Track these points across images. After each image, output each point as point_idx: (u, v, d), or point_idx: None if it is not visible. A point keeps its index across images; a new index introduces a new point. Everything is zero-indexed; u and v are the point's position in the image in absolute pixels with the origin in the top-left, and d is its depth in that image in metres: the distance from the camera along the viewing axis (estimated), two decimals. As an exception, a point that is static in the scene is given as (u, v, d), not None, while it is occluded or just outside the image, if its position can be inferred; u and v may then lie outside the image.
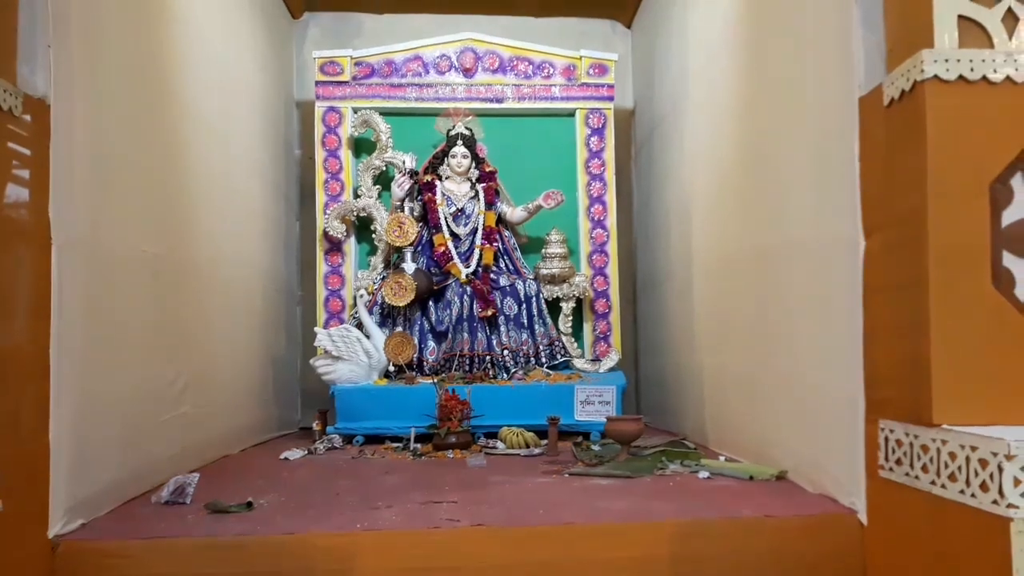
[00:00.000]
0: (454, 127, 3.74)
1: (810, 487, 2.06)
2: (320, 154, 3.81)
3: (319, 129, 3.81)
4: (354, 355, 3.30)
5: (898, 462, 1.68)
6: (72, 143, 1.85)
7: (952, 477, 1.51)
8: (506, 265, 3.78)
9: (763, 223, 2.41)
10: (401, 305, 3.49)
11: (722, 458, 2.59)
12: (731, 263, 2.71)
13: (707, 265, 3.02)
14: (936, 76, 1.59)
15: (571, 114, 3.88)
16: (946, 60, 1.60)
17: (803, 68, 2.11)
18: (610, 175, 3.86)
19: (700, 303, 3.10)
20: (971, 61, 1.60)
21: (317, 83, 3.79)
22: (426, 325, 3.58)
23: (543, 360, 3.57)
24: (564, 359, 3.61)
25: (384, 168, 3.79)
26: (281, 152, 3.89)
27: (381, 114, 3.76)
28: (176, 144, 2.52)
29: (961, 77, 1.60)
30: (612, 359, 3.67)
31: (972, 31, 1.63)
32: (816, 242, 2.04)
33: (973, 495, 1.45)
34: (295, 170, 4.16)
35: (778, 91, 2.29)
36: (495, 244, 3.71)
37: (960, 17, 1.63)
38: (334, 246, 3.79)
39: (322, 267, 3.79)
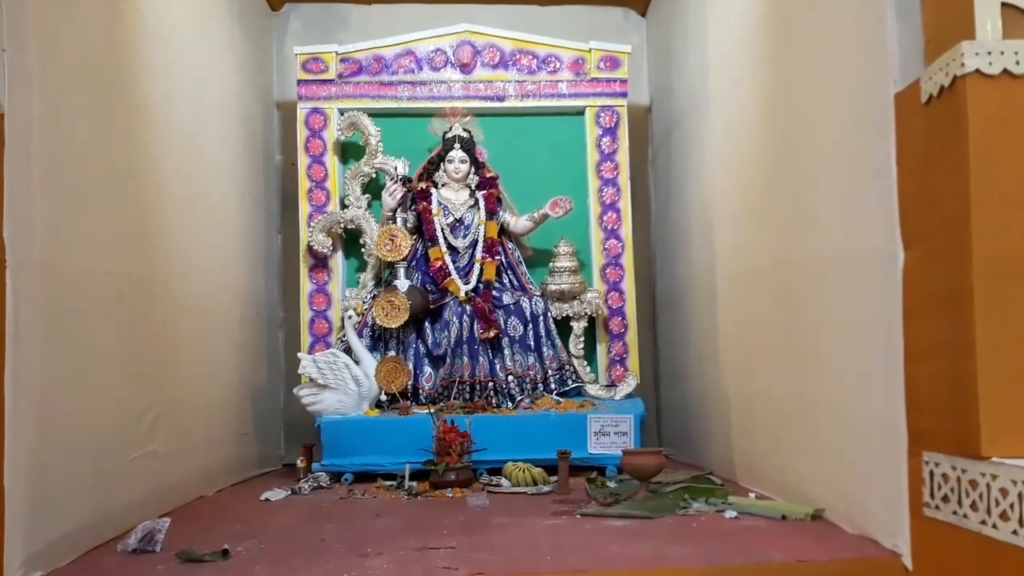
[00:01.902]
0: (451, 129, 3.76)
1: (849, 527, 2.06)
2: (303, 160, 3.83)
3: (302, 133, 3.83)
4: (342, 383, 3.31)
5: (944, 499, 1.68)
6: (29, 155, 1.87)
7: (1004, 516, 1.51)
8: (510, 281, 3.78)
9: (790, 233, 2.43)
10: (394, 327, 3.50)
11: (752, 495, 2.58)
12: (756, 277, 2.72)
13: (731, 279, 3.03)
14: (978, 70, 1.60)
15: (580, 113, 3.89)
16: (988, 52, 1.60)
17: (832, 61, 2.12)
18: (624, 180, 3.87)
19: (725, 321, 3.10)
20: (1016, 53, 1.60)
21: (299, 82, 3.81)
22: (422, 349, 3.59)
23: (552, 386, 3.57)
24: (575, 385, 3.61)
25: (374, 175, 3.81)
26: (260, 159, 3.91)
27: (370, 115, 3.79)
28: (143, 154, 2.55)
29: (1006, 71, 1.60)
30: (629, 385, 3.67)
31: (1017, 20, 1.64)
32: (849, 254, 2.05)
33: (1028, 536, 1.45)
34: (275, 178, 4.17)
35: (805, 87, 2.31)
36: (497, 258, 3.72)
37: (1004, 4, 1.64)
38: (319, 262, 3.81)
39: (306, 285, 3.81)
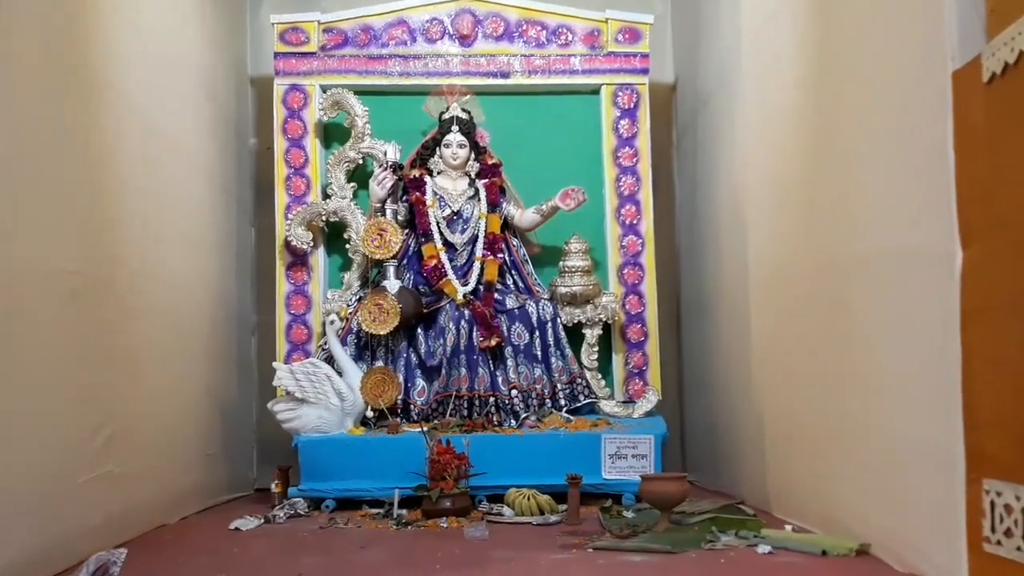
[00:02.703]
0: (448, 109, 3.76)
1: (898, 565, 2.05)
2: (280, 144, 3.83)
3: (279, 112, 3.83)
4: (323, 397, 3.31)
5: (1007, 533, 1.67)
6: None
7: (1076, 553, 1.51)
8: (514, 282, 3.79)
9: (833, 229, 2.42)
10: (382, 334, 3.50)
11: (788, 527, 2.57)
12: (795, 279, 2.72)
13: (766, 281, 3.03)
14: (1048, 44, 1.59)
15: (595, 91, 3.89)
16: (1061, 24, 1.60)
17: (882, 35, 2.12)
18: (645, 168, 3.86)
19: (759, 330, 3.10)
20: (1093, 25, 1.60)
21: (276, 55, 3.82)
22: (414, 359, 3.59)
23: (562, 402, 3.58)
24: (588, 401, 3.62)
25: (361, 161, 3.81)
26: (232, 143, 3.90)
27: (357, 93, 3.78)
28: (99, 139, 2.55)
29: (1080, 45, 1.60)
30: (650, 401, 3.66)
31: (1094, -13, 1.63)
32: (900, 253, 2.04)
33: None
34: (249, 165, 4.17)
35: (851, 63, 2.30)
36: (500, 256, 3.72)
37: (1079, -32, 1.64)
38: (298, 259, 3.80)
39: (283, 286, 3.80)
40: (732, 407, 3.40)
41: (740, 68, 3.24)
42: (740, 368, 3.27)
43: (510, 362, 3.58)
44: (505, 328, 3.60)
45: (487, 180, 3.78)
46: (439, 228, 3.70)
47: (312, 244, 3.78)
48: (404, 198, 3.77)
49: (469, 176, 3.79)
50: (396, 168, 3.71)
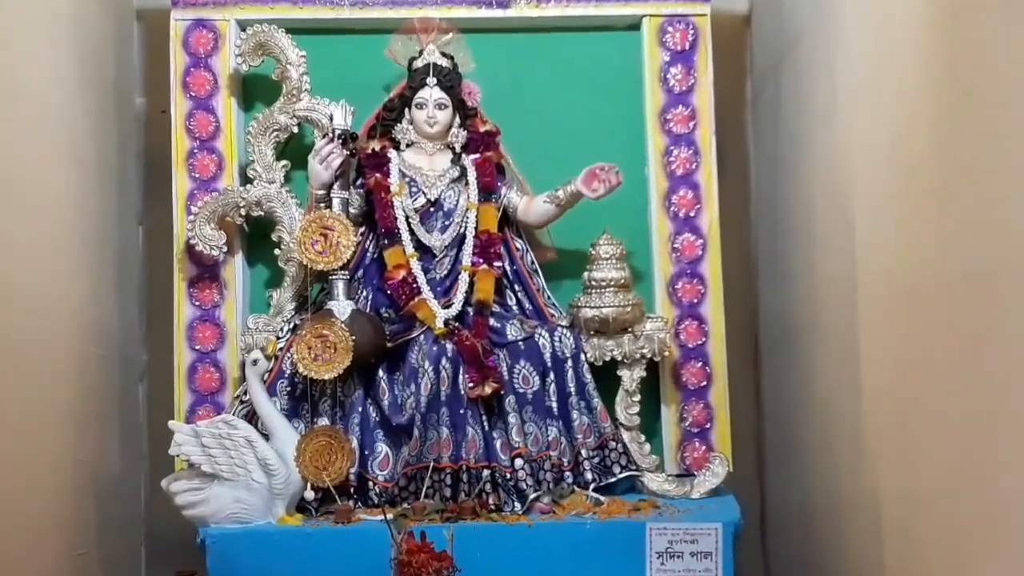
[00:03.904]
0: (421, 53, 3.75)
1: None
2: (181, 106, 3.81)
3: (178, 60, 3.81)
4: (241, 471, 3.30)
5: None
6: None
7: None
8: (518, 303, 3.78)
9: (979, 225, 2.38)
10: (327, 378, 3.49)
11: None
12: (925, 298, 2.69)
13: (884, 301, 2.99)
14: None
15: (634, 25, 3.90)
16: None
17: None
18: (705, 136, 3.84)
19: (873, 368, 3.07)
20: None
21: (173, -23, 3.86)
22: (373, 415, 3.58)
23: (587, 475, 3.56)
24: (626, 473, 3.61)
25: (296, 130, 3.79)
26: (109, 104, 3.86)
27: (290, 32, 3.77)
28: None
29: None
30: (716, 474, 3.64)
31: None
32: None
33: None
34: (135, 135, 4.14)
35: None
36: (498, 265, 3.71)
37: None
38: (206, 272, 3.78)
39: (184, 310, 3.78)
40: (836, 482, 3.36)
41: (843, -2, 3.26)
42: (847, 424, 3.24)
43: (513, 418, 3.54)
44: (505, 369, 3.57)
45: (478, 155, 3.76)
46: (409, 225, 3.68)
47: (226, 249, 3.75)
48: (359, 182, 3.76)
49: (452, 150, 3.78)
50: (347, 139, 3.67)
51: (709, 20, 3.87)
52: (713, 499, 3.55)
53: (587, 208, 3.69)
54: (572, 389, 3.61)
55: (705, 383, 3.81)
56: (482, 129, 3.79)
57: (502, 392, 3.54)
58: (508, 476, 3.48)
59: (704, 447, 3.78)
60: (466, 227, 3.71)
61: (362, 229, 3.72)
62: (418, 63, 3.74)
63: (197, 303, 3.80)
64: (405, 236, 3.66)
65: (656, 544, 3.23)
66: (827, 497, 3.47)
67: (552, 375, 3.61)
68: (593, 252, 3.69)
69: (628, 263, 3.70)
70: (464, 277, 3.67)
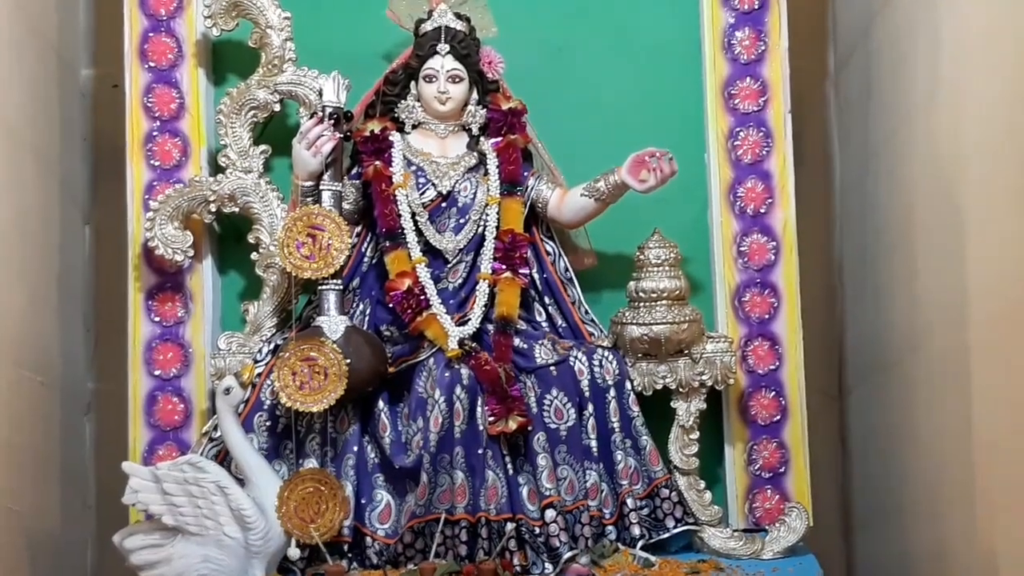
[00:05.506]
0: (431, 14, 3.57)
1: None
2: (137, 79, 3.64)
3: (134, 23, 3.64)
4: (211, 524, 3.14)
5: None
6: None
7: None
8: (549, 318, 3.61)
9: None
10: (315, 411, 3.28)
11: None
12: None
13: (999, 323, 2.88)
14: None
15: (690, -18, 3.79)
16: None
17: None
18: (779, 116, 3.64)
19: (986, 403, 2.95)
20: None
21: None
22: (372, 456, 3.41)
23: (634, 530, 3.37)
24: (682, 528, 3.43)
25: (278, 108, 3.62)
26: (51, 75, 3.80)
27: (269, -13, 3.67)
28: None
29: None
30: (792, 529, 3.45)
31: None
32: None
33: None
34: (82, 116, 4.10)
35: None
36: (524, 272, 3.49)
37: None
38: (167, 281, 3.62)
39: (140, 327, 3.62)
40: (943, 541, 3.24)
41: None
42: (957, 470, 3.11)
43: (542, 460, 3.30)
44: (533, 400, 3.35)
45: (500, 139, 3.52)
46: (416, 223, 3.46)
47: (192, 253, 3.55)
48: (355, 171, 3.55)
49: (469, 132, 3.56)
50: (340, 119, 3.47)
51: (785, -22, 3.84)
52: (789, 560, 3.40)
53: (633, 203, 3.49)
54: (615, 425, 3.40)
55: (779, 417, 3.62)
56: (505, 107, 3.56)
57: (529, 428, 3.31)
58: (537, 531, 3.27)
59: (778, 496, 3.59)
60: (485, 226, 3.50)
61: (358, 229, 3.56)
62: (427, 26, 3.52)
63: (157, 319, 3.62)
64: (411, 237, 3.46)
65: (720, 615, 3.19)
66: (932, 561, 3.35)
67: (591, 407, 3.39)
68: (641, 257, 3.47)
69: (684, 270, 3.51)
70: (483, 287, 3.45)
